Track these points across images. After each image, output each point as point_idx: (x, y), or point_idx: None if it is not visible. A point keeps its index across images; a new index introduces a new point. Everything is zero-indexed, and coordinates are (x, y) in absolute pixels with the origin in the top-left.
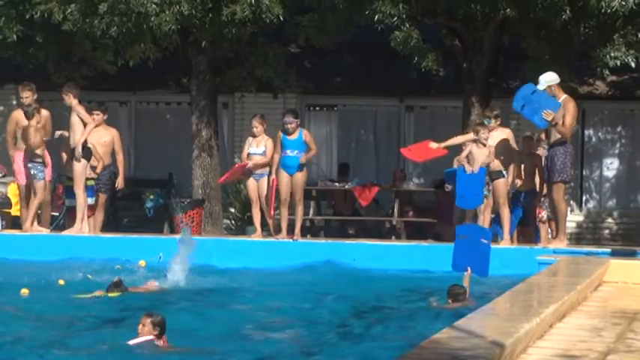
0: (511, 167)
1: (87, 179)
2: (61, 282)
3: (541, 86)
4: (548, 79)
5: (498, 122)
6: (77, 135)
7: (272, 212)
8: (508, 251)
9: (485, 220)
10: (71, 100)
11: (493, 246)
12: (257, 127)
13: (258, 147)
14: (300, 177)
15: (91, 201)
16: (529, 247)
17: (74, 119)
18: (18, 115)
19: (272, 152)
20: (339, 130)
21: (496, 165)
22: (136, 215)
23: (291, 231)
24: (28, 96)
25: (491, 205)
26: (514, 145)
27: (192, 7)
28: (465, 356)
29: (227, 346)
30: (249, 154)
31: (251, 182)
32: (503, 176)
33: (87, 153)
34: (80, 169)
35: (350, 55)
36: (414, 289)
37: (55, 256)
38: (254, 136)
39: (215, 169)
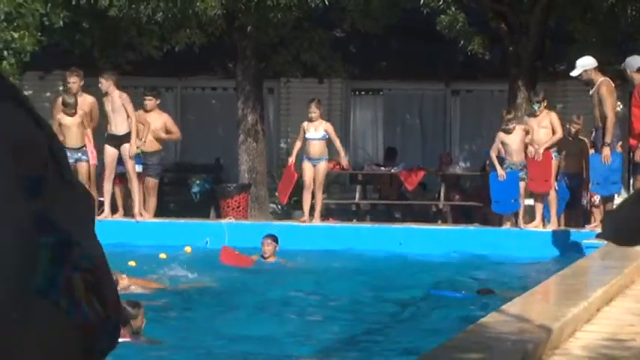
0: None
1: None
2: (132, 263)
3: (577, 71)
4: (584, 63)
5: (544, 105)
6: (120, 121)
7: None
8: (555, 234)
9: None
10: (111, 86)
11: (542, 229)
12: (315, 111)
13: (317, 131)
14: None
15: (139, 168)
16: (576, 231)
17: (117, 105)
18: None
19: (334, 134)
20: (385, 114)
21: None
22: (183, 200)
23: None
24: (75, 81)
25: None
26: (559, 127)
27: None
28: (512, 340)
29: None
30: (307, 140)
31: (307, 166)
32: (551, 158)
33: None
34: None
35: (395, 40)
36: (461, 274)
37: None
38: (311, 121)
39: (261, 154)
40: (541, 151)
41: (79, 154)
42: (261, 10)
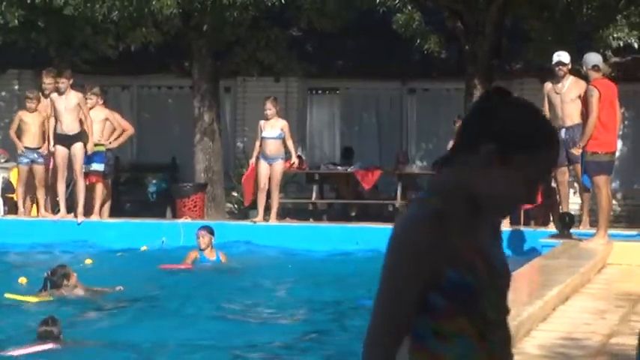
0: None
1: (96, 145)
2: (89, 262)
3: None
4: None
5: None
6: (71, 120)
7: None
8: (511, 233)
9: None
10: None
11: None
12: (270, 109)
13: (272, 130)
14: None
15: (99, 167)
16: (532, 230)
17: (71, 105)
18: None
19: (289, 133)
20: (342, 113)
21: None
22: (139, 200)
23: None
24: (50, 82)
25: None
26: None
27: None
28: None
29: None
30: (262, 138)
31: (263, 165)
32: None
33: None
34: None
35: (352, 38)
36: None
37: (57, 239)
38: (267, 119)
39: (217, 153)
40: None
41: (35, 155)
42: (217, 9)
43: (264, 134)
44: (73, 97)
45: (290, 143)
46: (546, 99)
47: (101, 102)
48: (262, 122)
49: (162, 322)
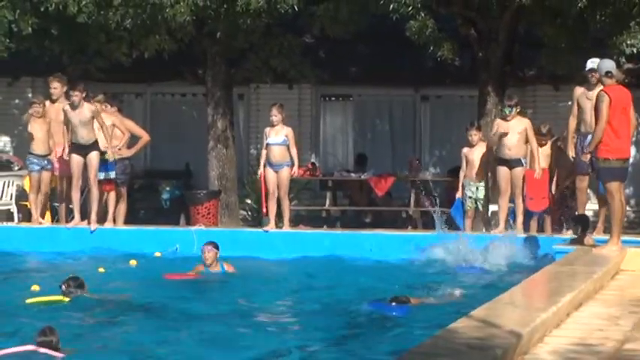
0: (535, 156)
1: (104, 153)
2: (101, 270)
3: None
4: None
5: (518, 110)
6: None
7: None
8: (525, 240)
9: (502, 209)
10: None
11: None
12: (276, 115)
13: (277, 136)
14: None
15: (112, 174)
16: (546, 236)
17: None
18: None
19: (294, 140)
20: (355, 120)
21: (514, 153)
22: (153, 207)
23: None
24: (56, 87)
25: (508, 193)
26: (532, 134)
27: None
28: (481, 346)
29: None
30: (267, 145)
31: (270, 173)
32: (522, 165)
33: None
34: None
35: (365, 45)
36: (431, 279)
37: (70, 247)
38: (272, 126)
39: (231, 160)
40: (538, 169)
41: (45, 162)
42: (231, 16)
43: (269, 140)
44: (87, 110)
45: (294, 151)
46: (576, 104)
47: (111, 109)
48: (268, 129)
49: (165, 332)
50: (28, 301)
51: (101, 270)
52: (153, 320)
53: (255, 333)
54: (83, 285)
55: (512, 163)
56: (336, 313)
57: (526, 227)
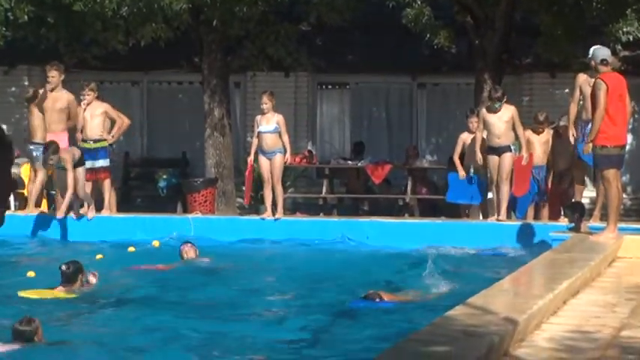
0: (522, 143)
1: (98, 141)
2: (100, 256)
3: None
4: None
5: (504, 101)
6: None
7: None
8: (522, 227)
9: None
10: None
11: (506, 223)
12: (267, 103)
13: (268, 124)
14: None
15: (105, 163)
16: (542, 224)
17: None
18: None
19: (285, 128)
20: (352, 108)
21: (503, 141)
22: (149, 195)
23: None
24: (54, 76)
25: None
26: (518, 121)
27: None
28: (478, 333)
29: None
30: (259, 133)
31: (263, 161)
32: (510, 150)
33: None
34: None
35: (361, 33)
36: (422, 268)
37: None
38: (263, 114)
39: (227, 148)
40: (526, 155)
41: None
42: (227, 4)
43: (260, 128)
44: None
45: (285, 138)
46: (578, 90)
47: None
48: (259, 117)
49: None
50: (21, 293)
51: (99, 257)
52: (131, 310)
53: (244, 323)
54: (82, 269)
55: (500, 150)
56: (326, 305)
57: (522, 214)
